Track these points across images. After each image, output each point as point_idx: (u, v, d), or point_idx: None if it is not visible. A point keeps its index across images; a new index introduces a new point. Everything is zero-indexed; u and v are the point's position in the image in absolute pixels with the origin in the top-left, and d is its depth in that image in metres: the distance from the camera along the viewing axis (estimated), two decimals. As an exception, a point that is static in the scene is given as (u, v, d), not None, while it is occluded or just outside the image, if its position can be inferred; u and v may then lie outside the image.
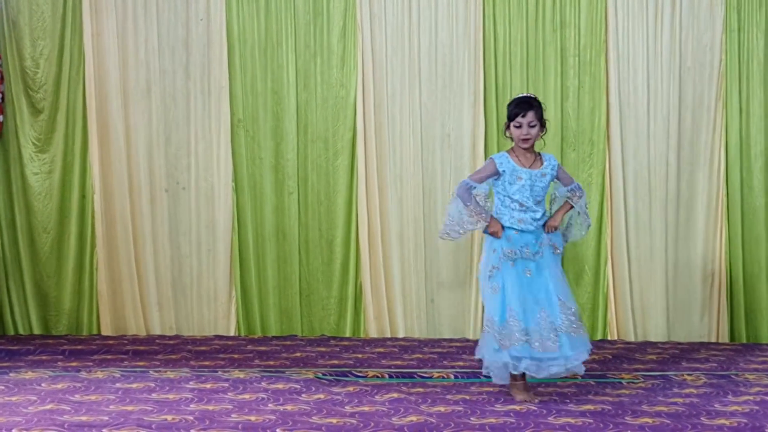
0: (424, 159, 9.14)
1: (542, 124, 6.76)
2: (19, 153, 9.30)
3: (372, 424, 5.86)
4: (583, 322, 6.87)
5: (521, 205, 6.70)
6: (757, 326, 9.06)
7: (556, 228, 6.79)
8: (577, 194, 6.88)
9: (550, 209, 6.95)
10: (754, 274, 9.06)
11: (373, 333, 9.22)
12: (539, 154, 6.84)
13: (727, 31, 8.97)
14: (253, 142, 9.24)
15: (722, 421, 6.00)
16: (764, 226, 9.02)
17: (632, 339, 9.06)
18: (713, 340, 9.05)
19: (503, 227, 6.71)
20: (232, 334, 9.29)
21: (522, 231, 6.70)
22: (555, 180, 6.87)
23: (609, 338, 9.08)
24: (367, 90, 9.14)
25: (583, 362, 6.63)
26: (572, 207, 6.87)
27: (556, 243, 6.81)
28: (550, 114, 8.98)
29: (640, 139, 9.03)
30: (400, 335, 9.19)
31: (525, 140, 6.72)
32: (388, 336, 9.19)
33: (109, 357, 8.15)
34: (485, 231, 6.81)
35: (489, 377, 6.80)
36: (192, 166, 9.29)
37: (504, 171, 6.73)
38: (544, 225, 6.76)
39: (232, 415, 6.06)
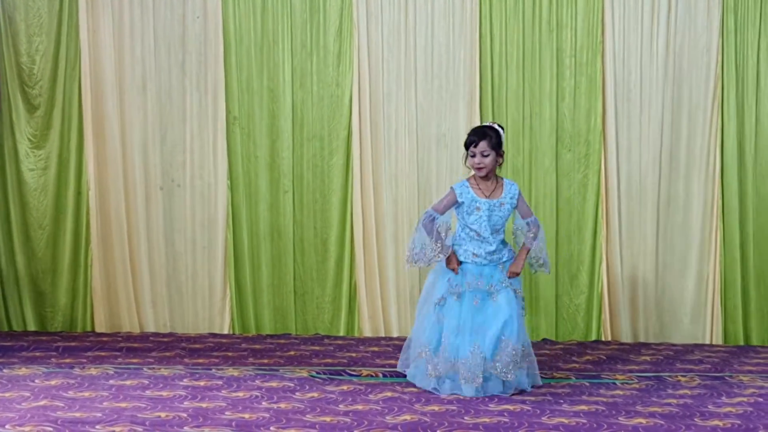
0: (420, 158, 9.14)
1: (498, 153, 6.92)
2: (14, 149, 9.30)
3: (366, 422, 5.86)
4: (528, 360, 6.98)
5: (478, 234, 6.89)
6: (751, 328, 9.06)
7: (517, 274, 6.98)
8: (533, 230, 7.03)
9: (514, 241, 7.15)
10: (749, 276, 9.05)
11: (367, 332, 9.22)
12: (500, 180, 7.03)
13: (723, 33, 8.97)
14: (249, 140, 9.23)
15: (716, 422, 6.00)
16: (759, 229, 9.02)
17: (626, 340, 9.05)
18: (707, 342, 9.04)
19: (459, 263, 6.89)
20: (226, 332, 9.29)
21: (476, 264, 6.89)
22: (515, 210, 7.04)
23: (603, 339, 9.08)
24: (363, 89, 9.14)
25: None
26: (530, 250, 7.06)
27: (516, 287, 6.97)
28: (546, 115, 9.01)
29: (637, 141, 9.03)
30: (395, 335, 9.19)
31: (479, 169, 6.93)
32: (383, 335, 9.19)
33: (102, 354, 8.14)
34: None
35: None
36: (187, 164, 9.29)
37: (463, 201, 6.93)
38: (505, 267, 6.95)
39: (226, 413, 6.06)
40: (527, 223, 7.03)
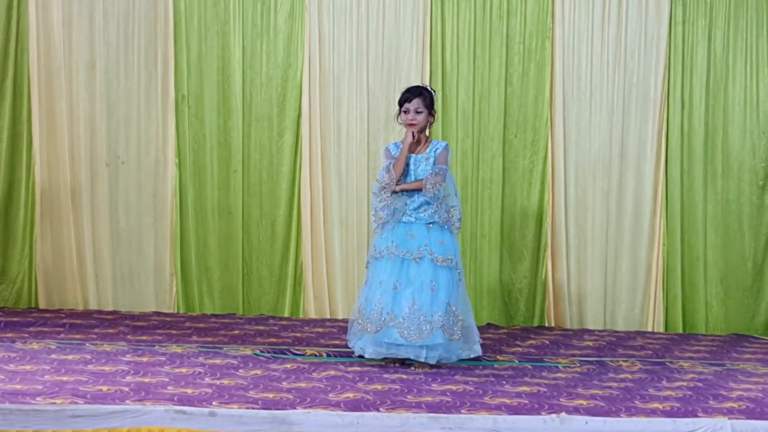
0: (370, 141, 9.14)
1: (430, 112, 7.08)
2: (-32, 122, 9.23)
3: (308, 399, 5.86)
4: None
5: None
6: (693, 317, 9.15)
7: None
8: (434, 175, 6.94)
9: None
10: (692, 265, 9.15)
11: (312, 313, 9.22)
12: (430, 139, 7.18)
13: (672, 24, 9.05)
14: (197, 119, 9.19)
15: (656, 405, 6.05)
16: (702, 219, 9.11)
17: (569, 326, 9.12)
18: (650, 329, 9.13)
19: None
20: (170, 310, 9.25)
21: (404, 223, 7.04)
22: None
23: (546, 325, 9.14)
24: (314, 70, 9.13)
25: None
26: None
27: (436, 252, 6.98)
28: (494, 100, 9.06)
29: (584, 129, 9.09)
30: (340, 317, 9.18)
31: (411, 125, 7.04)
32: (328, 317, 9.19)
33: (45, 329, 8.08)
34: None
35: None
36: (135, 141, 9.23)
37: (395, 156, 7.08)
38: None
39: (168, 388, 6.04)
40: (432, 170, 6.99)
